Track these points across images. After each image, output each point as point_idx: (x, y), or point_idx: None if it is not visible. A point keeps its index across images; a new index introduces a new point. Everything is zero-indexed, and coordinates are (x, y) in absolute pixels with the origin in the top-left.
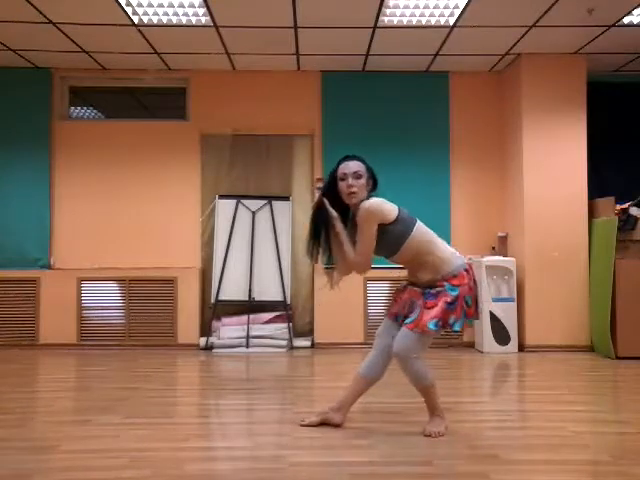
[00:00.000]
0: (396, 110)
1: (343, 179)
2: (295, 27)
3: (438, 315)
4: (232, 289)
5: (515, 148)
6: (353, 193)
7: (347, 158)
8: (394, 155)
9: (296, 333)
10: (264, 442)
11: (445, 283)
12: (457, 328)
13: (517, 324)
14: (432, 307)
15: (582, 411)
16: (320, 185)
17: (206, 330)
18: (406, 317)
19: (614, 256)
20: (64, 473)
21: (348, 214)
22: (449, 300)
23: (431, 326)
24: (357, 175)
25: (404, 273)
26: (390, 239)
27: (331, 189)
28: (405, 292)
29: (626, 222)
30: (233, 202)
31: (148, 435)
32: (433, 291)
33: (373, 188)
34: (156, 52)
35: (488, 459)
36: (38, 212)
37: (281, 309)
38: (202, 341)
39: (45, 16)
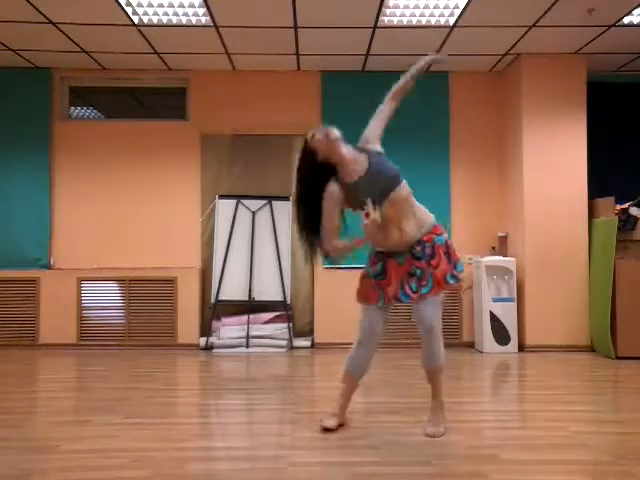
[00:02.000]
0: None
1: (316, 136)
2: (295, 27)
3: (447, 268)
4: (232, 289)
5: (515, 148)
6: (328, 132)
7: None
8: (394, 155)
9: (296, 333)
10: (264, 442)
11: (432, 235)
12: (460, 269)
13: (517, 324)
14: (438, 264)
15: (582, 411)
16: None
17: (206, 330)
18: (411, 289)
19: (614, 256)
20: (64, 473)
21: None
22: (444, 250)
23: (450, 280)
24: (320, 128)
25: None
26: (390, 170)
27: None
28: (391, 270)
29: (626, 222)
30: (233, 202)
31: (148, 435)
32: (427, 250)
33: None
34: (156, 52)
35: (488, 459)
36: (38, 212)
37: (281, 309)
38: (202, 341)
39: (45, 16)
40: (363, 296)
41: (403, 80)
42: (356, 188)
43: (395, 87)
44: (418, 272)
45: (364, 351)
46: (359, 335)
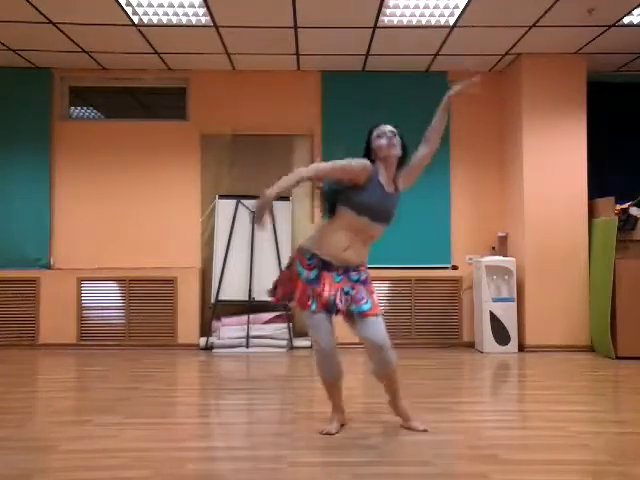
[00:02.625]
0: (396, 110)
1: (380, 136)
2: (295, 27)
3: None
4: (232, 289)
5: (515, 148)
6: (393, 145)
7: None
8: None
9: (296, 333)
10: (264, 442)
11: (366, 269)
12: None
13: (517, 324)
14: (372, 292)
15: (582, 411)
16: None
17: (206, 330)
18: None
19: (614, 256)
20: (64, 473)
21: None
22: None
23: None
24: (393, 133)
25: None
26: (394, 213)
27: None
28: (325, 280)
29: (626, 222)
30: (233, 202)
31: (148, 435)
32: (363, 277)
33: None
34: (156, 52)
35: (488, 459)
36: (38, 212)
37: (281, 309)
38: (202, 341)
39: (45, 16)
40: (298, 301)
41: (434, 124)
42: (372, 192)
43: (428, 131)
44: (352, 292)
45: (335, 355)
46: (315, 344)
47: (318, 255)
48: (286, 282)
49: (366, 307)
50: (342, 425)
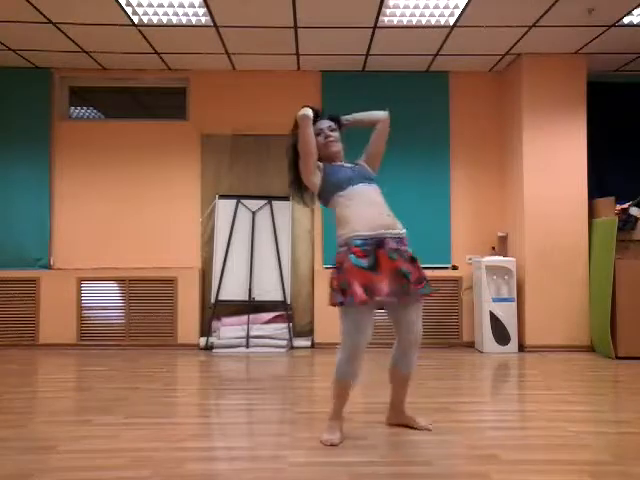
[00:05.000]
0: (396, 110)
1: (319, 134)
2: (295, 27)
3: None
4: (232, 289)
5: (515, 148)
6: (332, 142)
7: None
8: (394, 155)
9: (296, 333)
10: (264, 442)
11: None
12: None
13: (517, 324)
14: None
15: (582, 411)
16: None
17: (206, 330)
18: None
19: (614, 256)
20: (64, 473)
21: None
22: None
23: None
24: (331, 128)
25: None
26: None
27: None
28: (382, 264)
29: (626, 222)
30: (233, 202)
31: (148, 435)
32: (409, 254)
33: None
34: (156, 52)
35: (488, 459)
36: (38, 212)
37: (281, 309)
38: (202, 341)
39: (45, 16)
40: (360, 296)
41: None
42: (334, 172)
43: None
44: (410, 275)
45: (360, 359)
46: (349, 339)
47: (366, 236)
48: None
49: (426, 290)
50: (342, 433)
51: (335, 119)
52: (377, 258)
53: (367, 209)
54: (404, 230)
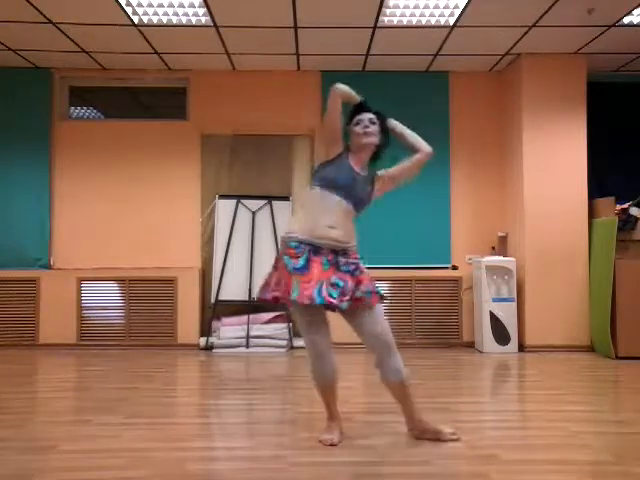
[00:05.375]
0: (396, 110)
1: (358, 123)
2: (295, 27)
3: (371, 283)
4: (232, 289)
5: (515, 148)
6: (369, 132)
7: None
8: (394, 155)
9: (296, 333)
10: (264, 442)
11: (358, 257)
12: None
13: (517, 324)
14: (363, 279)
15: (582, 411)
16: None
17: (206, 330)
18: (331, 296)
19: (614, 256)
20: (64, 473)
21: None
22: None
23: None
24: (372, 121)
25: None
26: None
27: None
28: (314, 268)
29: (626, 222)
30: (233, 202)
31: (148, 435)
32: (351, 266)
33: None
34: (156, 52)
35: (488, 459)
36: (38, 212)
37: (281, 309)
38: (202, 341)
39: (45, 16)
40: (283, 294)
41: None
42: (338, 167)
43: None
44: (341, 284)
45: (330, 355)
46: (306, 342)
47: (303, 240)
48: (273, 286)
49: (345, 305)
50: (341, 433)
51: (381, 117)
52: (309, 262)
53: (319, 218)
54: (352, 244)
